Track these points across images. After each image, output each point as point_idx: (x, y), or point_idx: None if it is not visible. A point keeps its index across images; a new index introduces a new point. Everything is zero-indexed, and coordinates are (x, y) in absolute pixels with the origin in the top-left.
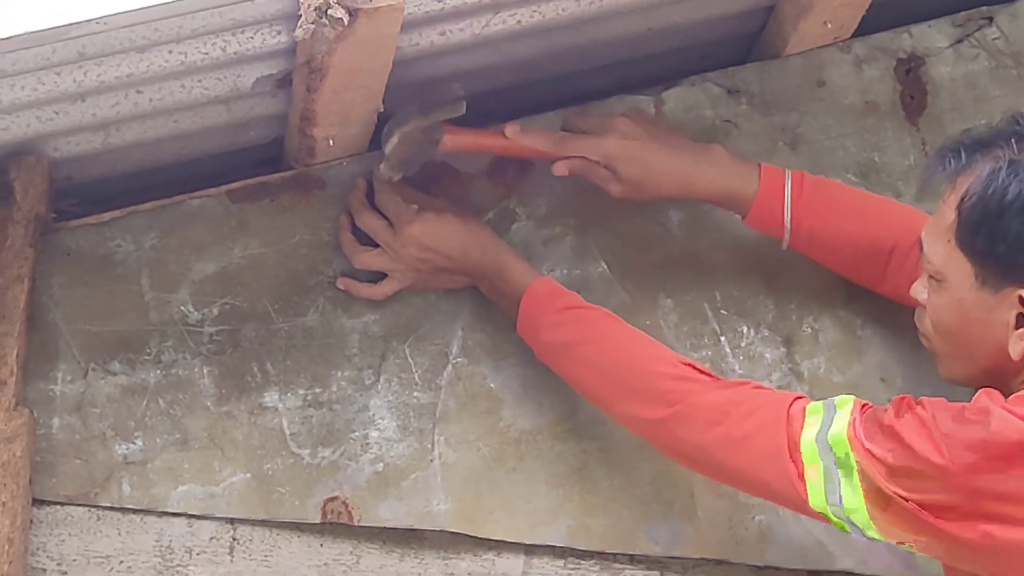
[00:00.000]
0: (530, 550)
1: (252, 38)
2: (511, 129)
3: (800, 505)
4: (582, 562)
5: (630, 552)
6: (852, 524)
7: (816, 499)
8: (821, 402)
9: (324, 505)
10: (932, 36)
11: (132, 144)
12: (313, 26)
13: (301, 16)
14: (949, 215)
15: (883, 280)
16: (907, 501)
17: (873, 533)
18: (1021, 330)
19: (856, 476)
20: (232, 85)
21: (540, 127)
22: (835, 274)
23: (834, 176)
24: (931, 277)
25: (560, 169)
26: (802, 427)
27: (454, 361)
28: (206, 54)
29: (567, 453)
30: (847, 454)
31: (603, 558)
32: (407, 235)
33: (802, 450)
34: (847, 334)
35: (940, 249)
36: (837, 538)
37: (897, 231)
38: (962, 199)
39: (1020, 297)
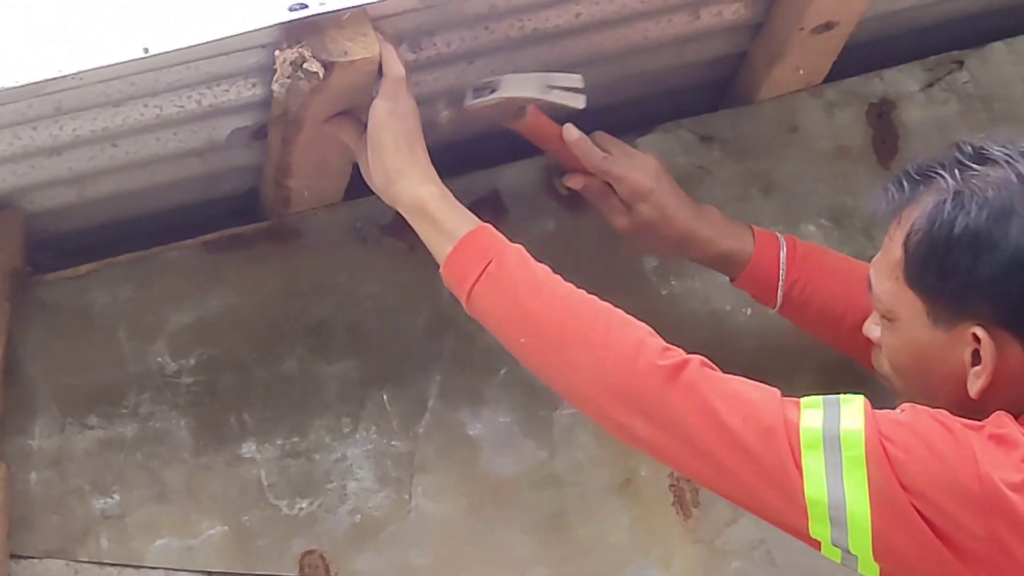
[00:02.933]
0: None
1: (227, 91)
2: (568, 132)
3: (793, 499)
4: None
5: None
6: (847, 535)
7: (815, 489)
8: (816, 397)
9: (302, 558)
10: (903, 80)
11: (108, 196)
12: (289, 80)
13: (277, 71)
14: (896, 252)
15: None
16: (923, 518)
17: (867, 553)
18: (978, 368)
19: (866, 476)
20: (207, 137)
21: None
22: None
23: (807, 221)
24: (883, 316)
25: (576, 182)
26: (799, 413)
27: (432, 408)
28: (181, 107)
29: (544, 500)
30: (860, 454)
31: None
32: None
33: (801, 434)
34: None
35: (889, 287)
36: None
37: None
38: (908, 235)
39: (974, 334)
